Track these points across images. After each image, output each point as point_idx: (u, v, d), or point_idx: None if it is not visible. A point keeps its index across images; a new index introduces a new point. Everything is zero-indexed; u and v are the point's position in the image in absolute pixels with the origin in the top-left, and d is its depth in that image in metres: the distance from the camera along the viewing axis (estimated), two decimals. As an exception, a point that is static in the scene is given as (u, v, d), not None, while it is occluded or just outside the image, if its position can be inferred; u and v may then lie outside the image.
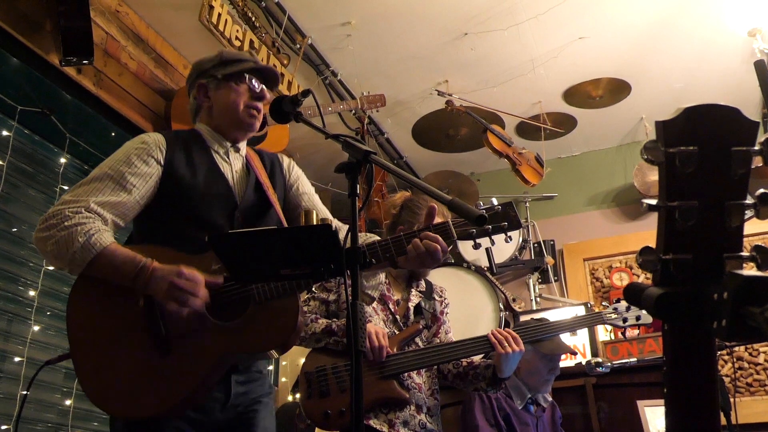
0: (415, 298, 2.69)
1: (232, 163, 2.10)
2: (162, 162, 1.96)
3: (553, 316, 4.24)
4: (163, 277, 1.76)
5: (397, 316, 2.62)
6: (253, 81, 2.10)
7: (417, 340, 2.61)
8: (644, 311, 2.75)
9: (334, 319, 2.55)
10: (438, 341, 2.68)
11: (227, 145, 2.11)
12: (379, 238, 1.98)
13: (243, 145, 2.17)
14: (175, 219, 1.94)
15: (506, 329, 2.60)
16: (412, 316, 2.66)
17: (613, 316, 2.75)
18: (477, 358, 2.67)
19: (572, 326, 2.93)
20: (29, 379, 2.82)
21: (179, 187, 1.95)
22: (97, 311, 1.85)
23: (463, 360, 2.64)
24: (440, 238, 1.85)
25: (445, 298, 2.82)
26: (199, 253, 1.84)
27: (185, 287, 1.75)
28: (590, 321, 2.90)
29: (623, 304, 2.77)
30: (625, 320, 2.74)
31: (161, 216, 1.95)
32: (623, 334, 2.91)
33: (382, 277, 2.62)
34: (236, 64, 2.10)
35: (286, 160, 2.26)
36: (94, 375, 1.80)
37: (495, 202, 1.94)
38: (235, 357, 1.88)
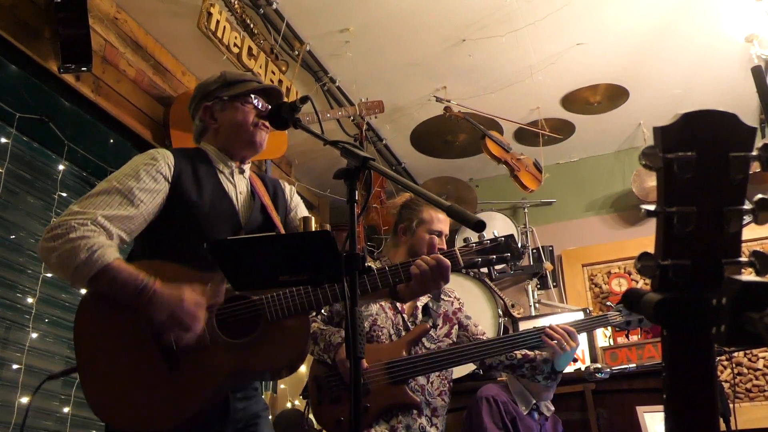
0: (423, 298, 2.69)
1: (237, 184, 2.10)
2: (170, 179, 1.95)
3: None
4: (163, 305, 1.75)
5: (405, 315, 2.63)
6: (258, 101, 2.11)
7: (424, 340, 2.61)
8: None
9: (329, 326, 2.55)
10: (450, 342, 2.69)
11: (233, 166, 2.11)
12: (377, 266, 2.01)
13: (248, 167, 2.17)
14: (179, 236, 1.93)
15: (562, 325, 2.62)
16: (420, 316, 2.66)
17: (618, 319, 2.78)
18: (530, 351, 2.70)
19: (579, 328, 2.95)
20: (27, 386, 2.81)
21: (185, 205, 1.94)
22: (106, 324, 1.84)
23: (517, 352, 2.66)
24: (446, 259, 1.88)
25: (456, 298, 2.82)
26: (205, 269, 1.81)
27: (185, 319, 1.75)
28: (596, 323, 2.95)
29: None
30: (628, 323, 2.77)
31: (165, 233, 1.94)
32: (627, 336, 2.95)
33: (373, 309, 2.61)
34: (241, 85, 2.10)
35: (287, 187, 2.28)
36: (101, 389, 1.79)
37: (496, 234, 2.00)
38: (244, 375, 1.87)
